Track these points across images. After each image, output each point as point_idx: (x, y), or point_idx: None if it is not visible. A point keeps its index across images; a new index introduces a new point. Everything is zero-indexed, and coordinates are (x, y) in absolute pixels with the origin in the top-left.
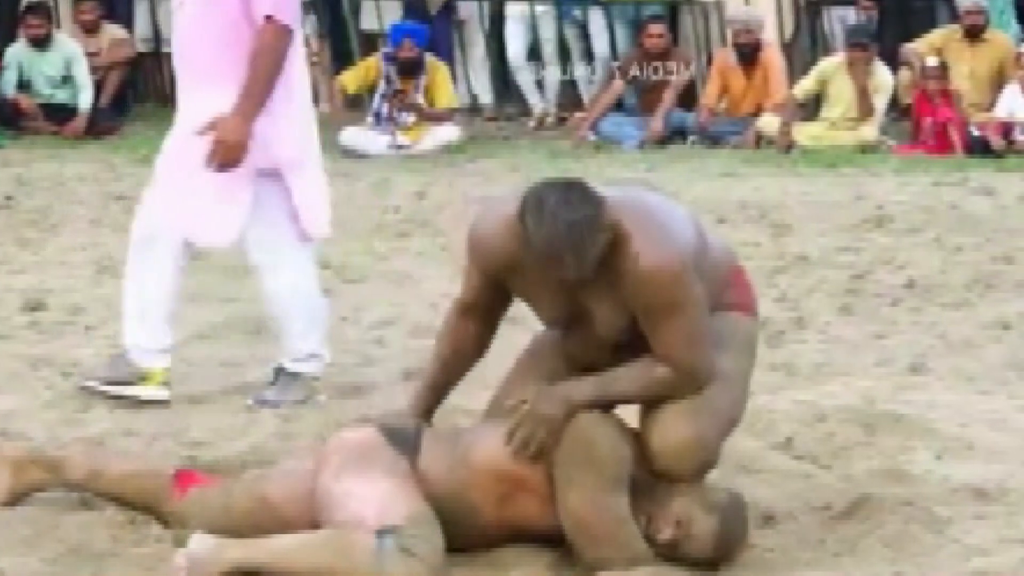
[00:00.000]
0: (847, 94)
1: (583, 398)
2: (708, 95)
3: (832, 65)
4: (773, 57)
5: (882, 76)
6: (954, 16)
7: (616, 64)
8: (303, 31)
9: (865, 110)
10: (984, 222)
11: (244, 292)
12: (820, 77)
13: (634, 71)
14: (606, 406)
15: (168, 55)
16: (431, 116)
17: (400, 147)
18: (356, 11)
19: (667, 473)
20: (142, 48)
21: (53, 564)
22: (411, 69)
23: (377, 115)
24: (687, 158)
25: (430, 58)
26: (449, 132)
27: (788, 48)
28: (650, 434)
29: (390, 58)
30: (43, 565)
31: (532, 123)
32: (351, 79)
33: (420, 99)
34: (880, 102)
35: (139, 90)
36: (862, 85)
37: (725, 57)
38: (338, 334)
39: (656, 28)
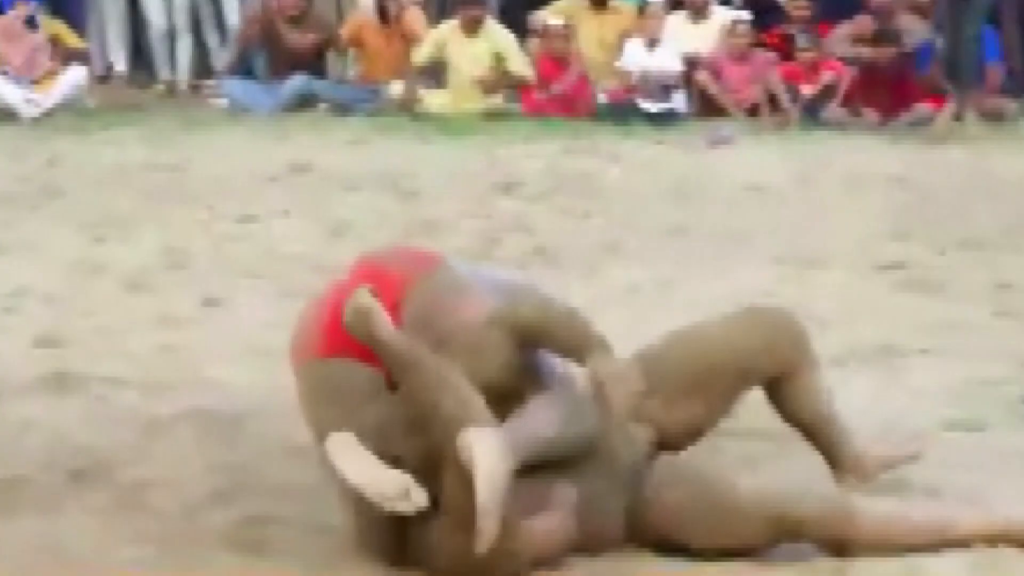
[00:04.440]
0: (467, 59)
1: None
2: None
3: (447, 29)
4: (415, 19)
5: (499, 36)
6: None
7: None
8: None
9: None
10: (611, 188)
11: None
12: (437, 42)
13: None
14: None
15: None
16: (67, 56)
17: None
18: None
19: None
20: None
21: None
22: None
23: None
24: (318, 125)
25: (44, 18)
26: (77, 75)
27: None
28: None
29: None
30: None
31: (162, 88)
32: None
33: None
34: (513, 65)
35: None
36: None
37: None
38: None
39: None
